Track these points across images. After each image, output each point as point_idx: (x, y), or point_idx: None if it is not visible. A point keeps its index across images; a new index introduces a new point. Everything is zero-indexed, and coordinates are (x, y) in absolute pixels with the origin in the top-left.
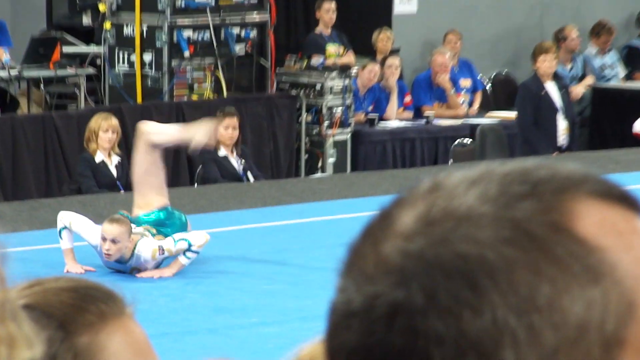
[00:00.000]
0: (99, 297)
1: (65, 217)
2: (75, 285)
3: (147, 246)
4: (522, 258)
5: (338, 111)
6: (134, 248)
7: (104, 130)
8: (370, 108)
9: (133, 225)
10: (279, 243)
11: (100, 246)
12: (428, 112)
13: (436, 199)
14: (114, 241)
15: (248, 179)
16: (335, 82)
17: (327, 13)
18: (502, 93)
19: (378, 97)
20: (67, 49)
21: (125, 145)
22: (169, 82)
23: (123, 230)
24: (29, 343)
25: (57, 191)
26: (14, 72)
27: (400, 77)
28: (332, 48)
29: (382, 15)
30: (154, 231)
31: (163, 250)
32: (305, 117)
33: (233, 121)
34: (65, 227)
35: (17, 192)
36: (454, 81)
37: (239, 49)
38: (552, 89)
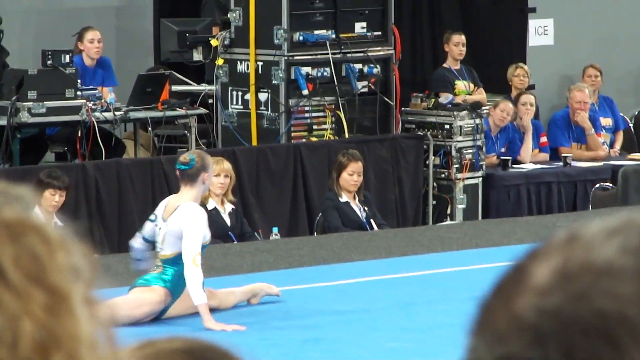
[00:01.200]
0: (216, 359)
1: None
2: (190, 347)
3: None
4: None
5: (468, 153)
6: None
7: (215, 174)
8: (503, 149)
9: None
10: (405, 296)
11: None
12: (566, 154)
13: (573, 250)
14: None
15: (372, 227)
16: (465, 122)
17: (457, 47)
18: None
19: (512, 137)
20: (176, 88)
21: (240, 191)
22: (286, 122)
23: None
24: None
25: None
26: (119, 114)
27: (536, 116)
28: (461, 84)
29: (516, 48)
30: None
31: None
32: (432, 159)
33: (358, 166)
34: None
35: (124, 243)
36: (594, 120)
37: (362, 86)
38: None
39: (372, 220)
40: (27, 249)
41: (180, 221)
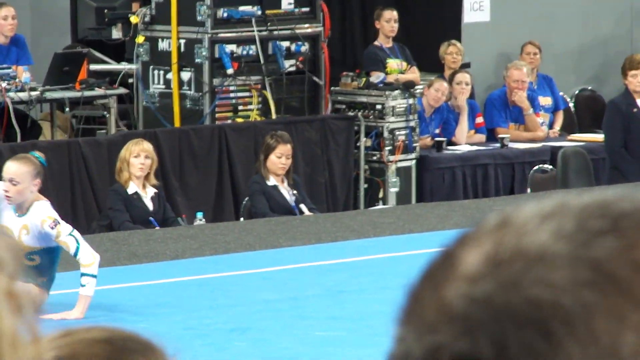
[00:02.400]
0: (137, 349)
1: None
2: (110, 336)
3: (44, 210)
4: (603, 303)
5: (401, 134)
6: (31, 205)
7: (135, 155)
8: (437, 131)
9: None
10: (336, 284)
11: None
12: (503, 135)
13: (505, 236)
14: (12, 181)
15: (301, 212)
16: (397, 102)
17: (388, 23)
18: (587, 112)
19: (446, 118)
20: (94, 67)
21: (162, 174)
22: (210, 103)
23: (24, 170)
24: None
25: (86, 227)
26: (35, 94)
27: (471, 96)
28: (393, 63)
29: (450, 25)
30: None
31: (55, 225)
32: (364, 141)
33: (286, 148)
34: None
35: None
36: (532, 99)
37: (289, 64)
38: None
39: (301, 205)
40: None
41: None
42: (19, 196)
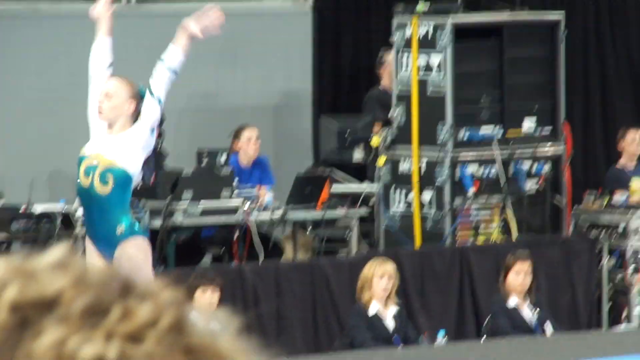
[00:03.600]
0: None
1: None
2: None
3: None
4: None
5: None
6: (123, 129)
7: (378, 276)
8: None
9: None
10: None
11: None
12: None
13: None
14: (107, 95)
15: (543, 332)
16: None
17: (631, 144)
18: None
19: None
20: (336, 188)
21: (403, 294)
22: (451, 223)
23: (121, 87)
24: None
25: (327, 346)
26: (277, 214)
27: None
28: (637, 183)
29: None
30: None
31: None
32: (606, 261)
33: (525, 266)
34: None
35: (283, 348)
36: None
37: (530, 185)
38: None
39: (543, 325)
40: None
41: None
42: (111, 112)
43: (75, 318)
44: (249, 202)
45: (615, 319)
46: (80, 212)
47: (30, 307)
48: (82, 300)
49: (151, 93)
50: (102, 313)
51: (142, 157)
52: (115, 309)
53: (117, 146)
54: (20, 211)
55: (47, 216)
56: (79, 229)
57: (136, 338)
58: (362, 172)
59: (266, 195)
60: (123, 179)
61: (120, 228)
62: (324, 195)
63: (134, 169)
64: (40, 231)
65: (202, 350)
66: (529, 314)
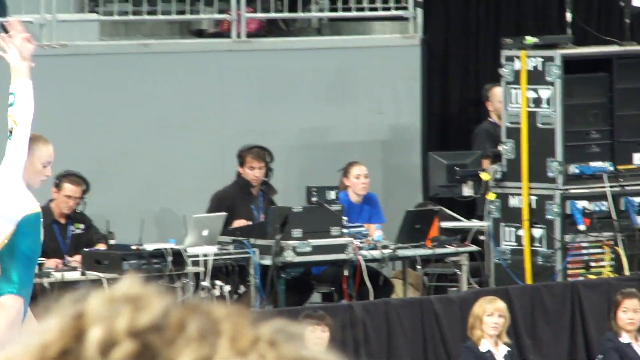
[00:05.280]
0: None
1: None
2: None
3: None
4: None
5: None
6: None
7: (488, 314)
8: None
9: None
10: None
11: None
12: None
13: None
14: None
15: None
16: None
17: None
18: None
19: None
20: (445, 224)
21: (514, 331)
22: (562, 259)
23: None
24: None
25: None
26: (387, 251)
27: None
28: None
29: None
30: None
31: None
32: None
33: (633, 303)
34: None
35: None
36: None
37: None
38: None
39: None
40: None
41: None
42: None
43: (195, 339)
44: (358, 240)
45: None
46: (190, 250)
47: (147, 332)
48: (194, 322)
49: None
50: (214, 333)
51: None
52: (224, 328)
53: None
54: (132, 250)
55: (158, 255)
56: (190, 267)
57: (244, 353)
58: (471, 209)
59: (376, 232)
60: None
61: None
62: (433, 231)
63: None
64: (151, 270)
65: None
66: None
